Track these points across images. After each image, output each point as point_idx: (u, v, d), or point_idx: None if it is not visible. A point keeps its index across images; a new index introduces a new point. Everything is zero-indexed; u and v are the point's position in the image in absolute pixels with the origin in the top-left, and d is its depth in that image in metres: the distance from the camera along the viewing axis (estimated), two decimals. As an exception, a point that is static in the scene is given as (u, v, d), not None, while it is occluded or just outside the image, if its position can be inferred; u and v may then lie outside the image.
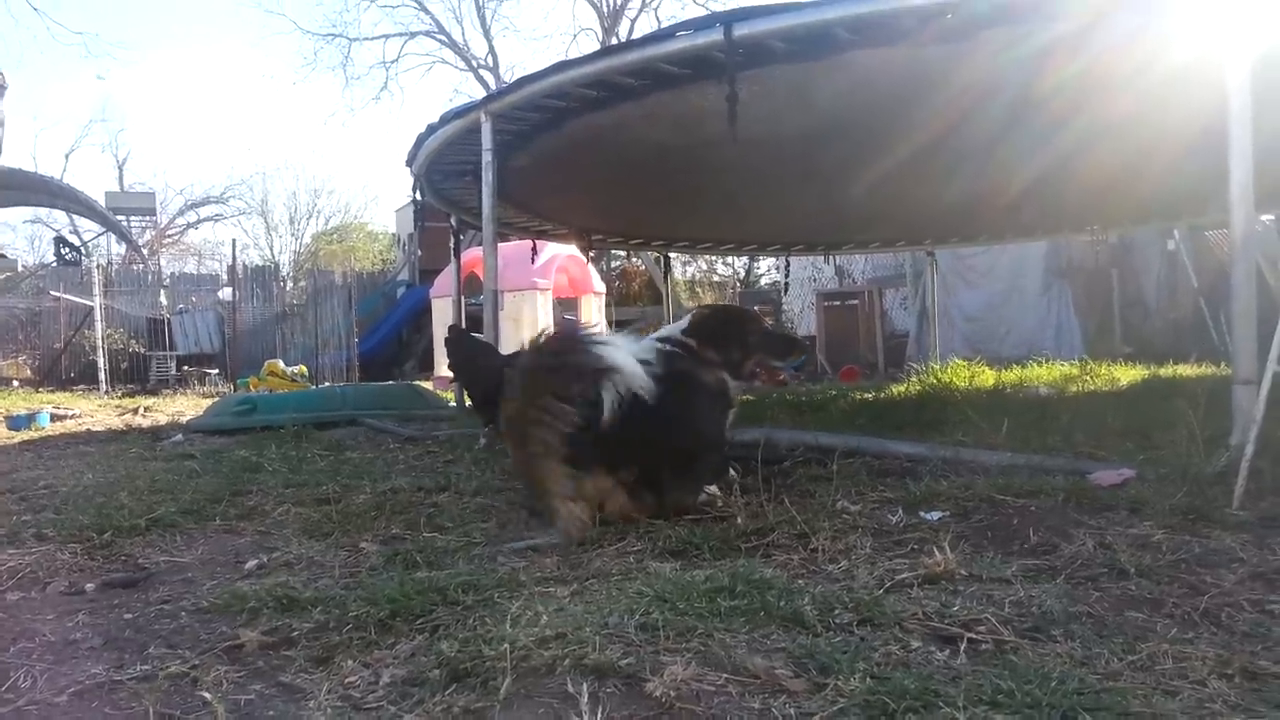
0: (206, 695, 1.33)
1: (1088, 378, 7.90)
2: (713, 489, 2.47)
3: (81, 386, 16.58)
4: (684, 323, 2.70)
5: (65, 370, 18.15)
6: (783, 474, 3.03)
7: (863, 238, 8.92)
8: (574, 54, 13.62)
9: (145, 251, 33.86)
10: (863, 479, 2.81)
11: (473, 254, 11.54)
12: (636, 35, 27.79)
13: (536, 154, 5.08)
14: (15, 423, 5.79)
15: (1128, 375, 8.04)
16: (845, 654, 1.34)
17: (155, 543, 2.33)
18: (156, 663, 1.53)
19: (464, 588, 1.76)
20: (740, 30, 3.30)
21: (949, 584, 1.70)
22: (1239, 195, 2.82)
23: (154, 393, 15.13)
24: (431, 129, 4.82)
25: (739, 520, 2.20)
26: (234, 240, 19.18)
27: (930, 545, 2.02)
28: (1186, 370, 8.24)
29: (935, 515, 2.31)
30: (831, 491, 2.55)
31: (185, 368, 17.76)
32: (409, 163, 5.35)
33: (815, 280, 17.76)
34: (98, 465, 4.02)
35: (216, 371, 17.65)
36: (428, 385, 15.10)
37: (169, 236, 39.28)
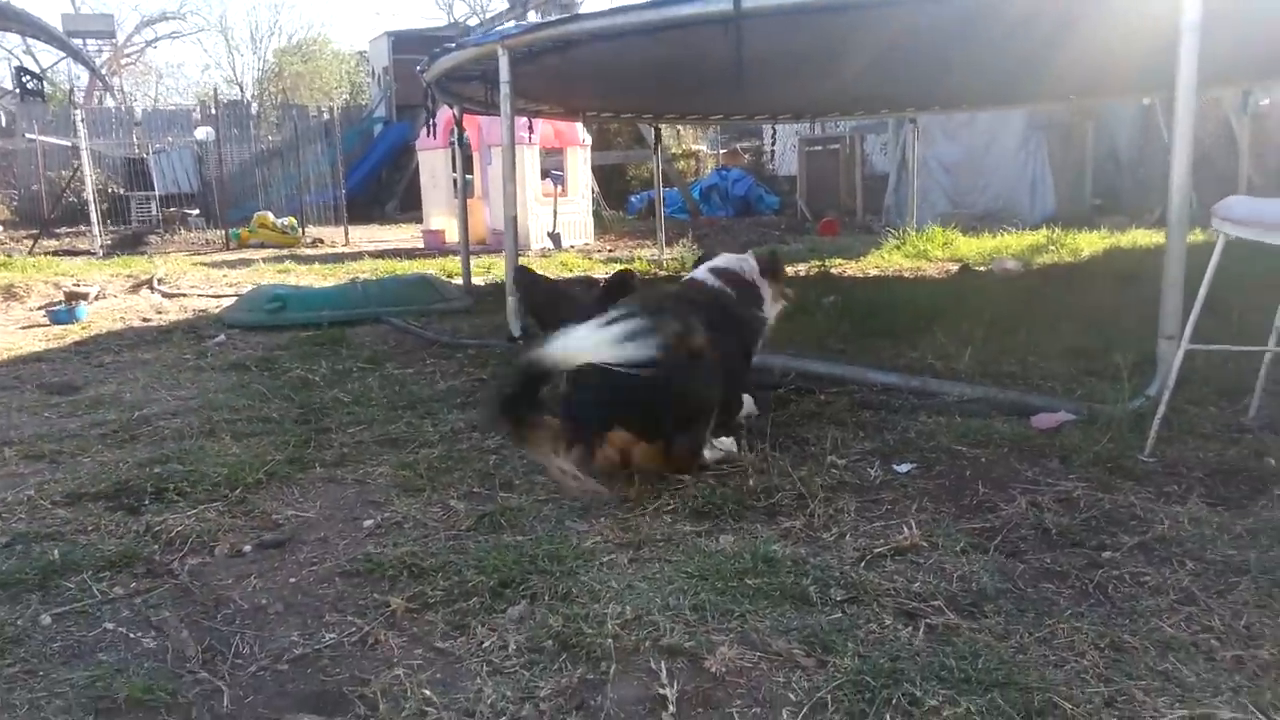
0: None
1: (1053, 247, 8.45)
2: (729, 445, 3.00)
3: (65, 229, 16.74)
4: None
5: (48, 211, 18.14)
6: (780, 403, 3.62)
7: (848, 109, 9.19)
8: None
9: (105, 72, 32.84)
10: (846, 420, 3.38)
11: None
12: None
13: (541, 66, 5.34)
14: (58, 317, 6.20)
15: (1090, 244, 8.59)
16: (839, 633, 1.93)
17: (278, 496, 2.87)
18: (336, 631, 2.09)
19: (549, 557, 2.32)
20: (748, 3, 3.61)
21: (914, 556, 2.29)
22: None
23: (141, 239, 15.34)
24: (446, 50, 5.10)
25: (750, 481, 2.77)
26: (215, 88, 18.72)
27: (902, 504, 2.62)
28: (1144, 238, 8.78)
29: (905, 468, 2.89)
30: (822, 440, 3.13)
31: (167, 209, 17.83)
32: (421, 72, 5.61)
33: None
34: (165, 379, 4.53)
35: (198, 213, 17.76)
36: (415, 231, 15.39)
37: (127, 57, 38.00)
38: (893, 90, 7.70)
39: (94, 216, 13.50)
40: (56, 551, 2.47)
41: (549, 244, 12.59)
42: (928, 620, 1.97)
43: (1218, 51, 3.26)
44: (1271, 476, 2.76)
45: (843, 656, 1.84)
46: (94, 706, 1.77)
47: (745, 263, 3.37)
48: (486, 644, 1.98)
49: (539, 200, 12.59)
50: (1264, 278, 3.85)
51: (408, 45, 21.39)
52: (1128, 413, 3.20)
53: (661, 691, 1.76)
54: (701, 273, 3.30)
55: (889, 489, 2.74)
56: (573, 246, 12.77)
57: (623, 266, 5.74)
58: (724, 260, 3.36)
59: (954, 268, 7.74)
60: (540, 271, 5.19)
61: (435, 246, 12.94)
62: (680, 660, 1.87)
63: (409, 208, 19.68)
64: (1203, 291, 2.85)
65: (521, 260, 5.44)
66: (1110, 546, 2.33)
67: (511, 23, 21.37)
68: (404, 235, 16.24)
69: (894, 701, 1.68)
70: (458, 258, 8.53)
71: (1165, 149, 11.45)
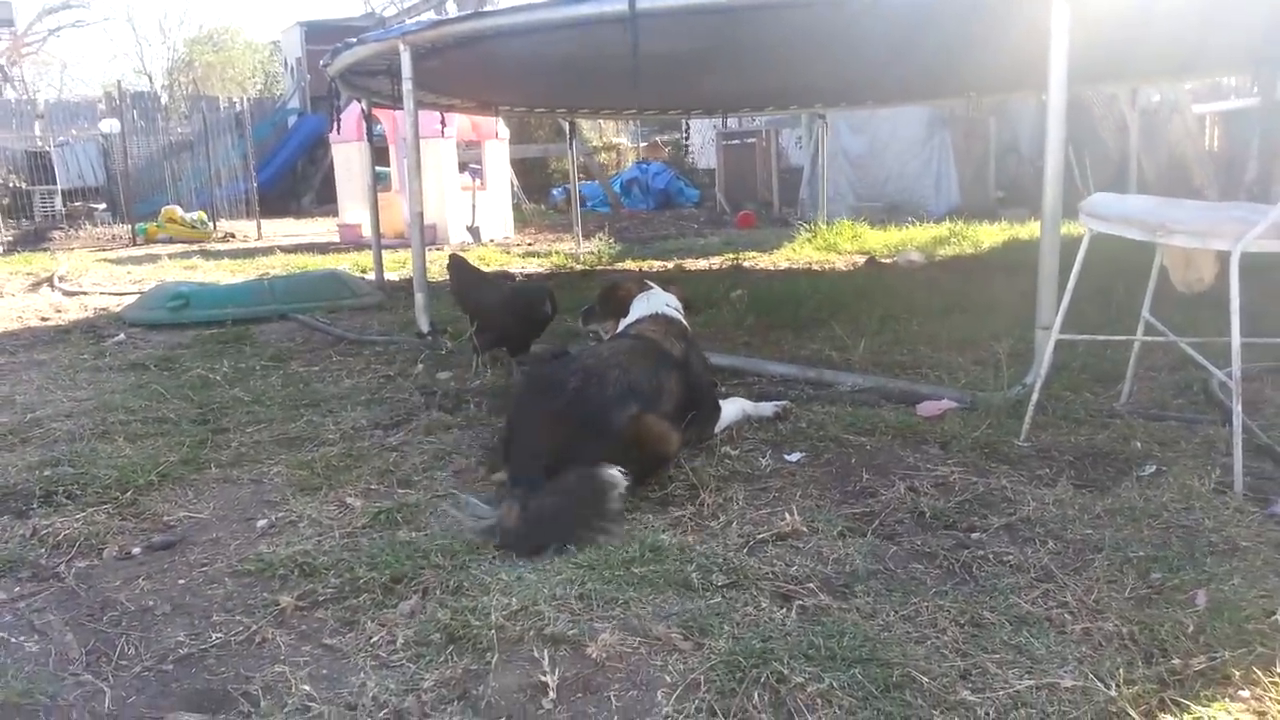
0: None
1: (955, 240, 8.72)
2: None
3: (-40, 223, 16.06)
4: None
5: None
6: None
7: (758, 104, 9.34)
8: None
9: (3, 62, 31.55)
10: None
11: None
12: None
13: (447, 60, 5.34)
14: (-51, 317, 6.00)
15: (990, 236, 8.88)
16: (717, 616, 2.00)
17: (170, 497, 2.85)
18: (223, 630, 2.09)
19: (441, 552, 2.35)
20: (643, 4, 3.68)
21: (794, 541, 2.38)
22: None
23: (44, 235, 14.83)
24: (349, 45, 5.06)
25: (645, 472, 2.83)
26: (119, 81, 18.12)
27: (788, 491, 2.72)
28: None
29: (795, 457, 2.99)
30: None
31: (71, 203, 17.27)
32: (324, 66, 5.57)
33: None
34: (61, 380, 4.42)
35: (104, 207, 17.23)
36: (330, 225, 15.13)
37: (28, 46, 36.54)
38: (798, 86, 7.87)
39: (-9, 212, 13.00)
40: (-64, 558, 2.42)
41: (468, 238, 12.52)
42: (801, 602, 2.07)
43: (1095, 54, 3.44)
44: (1136, 459, 2.93)
45: (718, 639, 1.91)
46: (-33, 713, 1.76)
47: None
48: (375, 639, 2.01)
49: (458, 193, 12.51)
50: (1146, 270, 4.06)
51: (321, 35, 20.98)
52: (1007, 400, 3.35)
53: (543, 679, 1.81)
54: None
55: (778, 477, 2.84)
56: (492, 240, 12.73)
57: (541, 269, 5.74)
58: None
59: (861, 260, 7.94)
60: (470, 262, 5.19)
61: (351, 240, 12.77)
62: (563, 648, 1.92)
63: (325, 201, 19.33)
64: (1071, 283, 3.00)
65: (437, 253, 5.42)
66: (979, 528, 2.45)
67: (430, 14, 21.11)
68: (319, 229, 15.98)
69: (762, 680, 1.76)
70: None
71: (1064, 140, 11.96)
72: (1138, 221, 2.80)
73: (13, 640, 2.06)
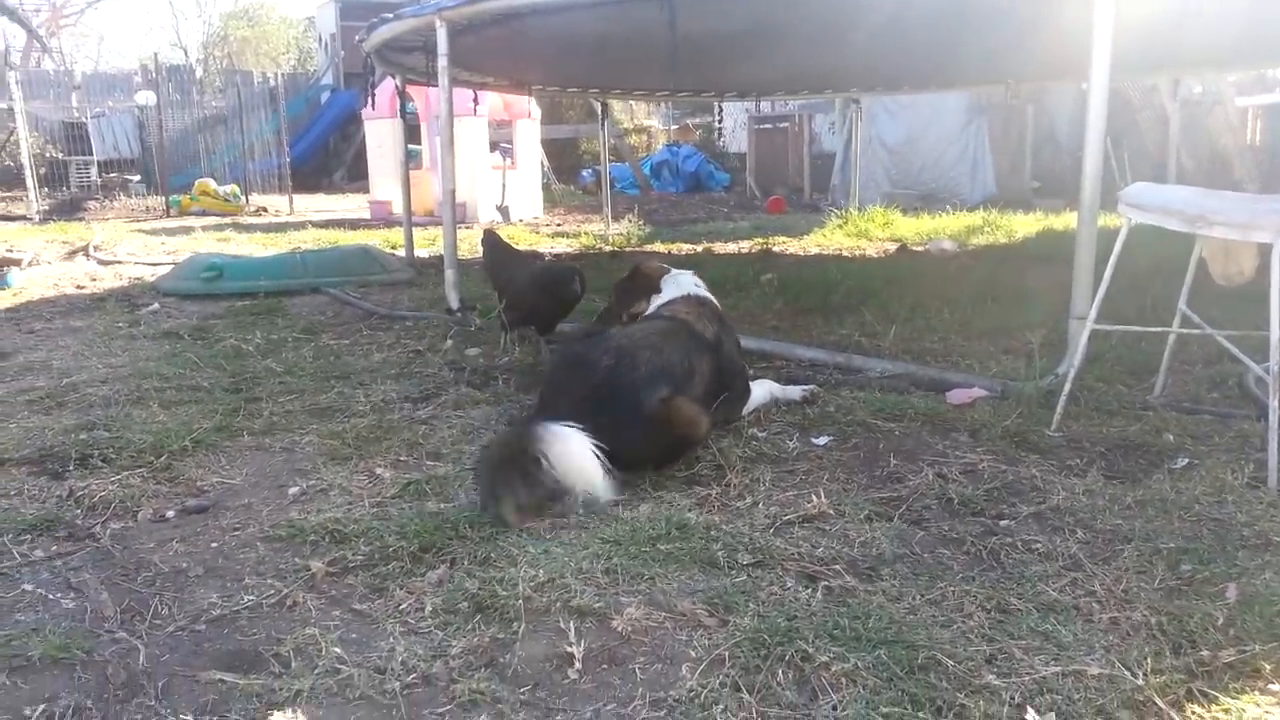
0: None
1: (989, 229, 8.63)
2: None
3: (0, 193, 16.30)
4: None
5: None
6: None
7: (792, 88, 9.28)
8: None
9: (43, 33, 31.88)
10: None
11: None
12: None
13: (483, 38, 5.34)
14: (-12, 283, 6.10)
15: (1024, 226, 8.79)
16: (743, 594, 2.01)
17: (204, 463, 2.89)
18: (255, 593, 2.12)
19: (469, 523, 2.38)
20: (679, -16, 3.67)
21: (821, 523, 2.38)
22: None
23: (80, 204, 14.99)
24: (385, 20, 5.08)
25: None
26: (155, 54, 18.24)
27: (815, 474, 2.72)
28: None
29: (823, 440, 2.99)
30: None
31: (107, 174, 17.42)
32: (360, 41, 5.59)
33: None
34: (97, 347, 4.49)
35: (139, 179, 17.37)
36: (361, 201, 15.20)
37: (66, 18, 36.92)
38: (834, 70, 7.80)
39: (30, 181, 13.17)
40: (-24, 515, 2.47)
41: (497, 217, 12.54)
42: (826, 583, 2.07)
43: (1138, 44, 3.38)
44: (1169, 451, 2.90)
45: (743, 616, 1.92)
46: (6, 665, 1.80)
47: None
48: (404, 606, 2.03)
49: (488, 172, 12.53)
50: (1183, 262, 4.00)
51: (355, 11, 21.00)
52: (1038, 389, 3.33)
53: (569, 649, 1.83)
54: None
55: (805, 460, 2.84)
56: (521, 220, 12.74)
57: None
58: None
59: (892, 247, 7.89)
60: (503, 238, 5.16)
61: (381, 217, 12.82)
62: (589, 620, 1.94)
63: (357, 177, 19.40)
64: (1108, 273, 2.97)
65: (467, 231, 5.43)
66: (1008, 515, 2.44)
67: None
68: (350, 205, 16.04)
69: (787, 658, 1.77)
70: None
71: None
72: (1177, 212, 2.76)
73: (50, 597, 2.10)
